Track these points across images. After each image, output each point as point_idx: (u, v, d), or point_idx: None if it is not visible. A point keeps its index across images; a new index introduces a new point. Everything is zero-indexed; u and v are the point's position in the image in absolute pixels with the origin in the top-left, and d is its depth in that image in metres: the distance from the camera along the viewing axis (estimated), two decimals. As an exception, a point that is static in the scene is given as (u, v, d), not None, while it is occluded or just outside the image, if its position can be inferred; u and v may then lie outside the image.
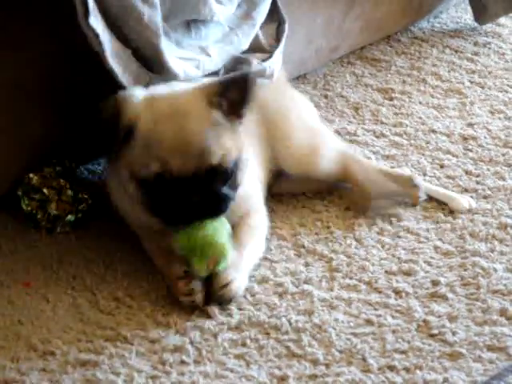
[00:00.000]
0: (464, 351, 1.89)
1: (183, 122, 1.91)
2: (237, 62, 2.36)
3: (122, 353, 1.88)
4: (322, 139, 2.40)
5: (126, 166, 1.95)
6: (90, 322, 1.96)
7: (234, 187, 2.00)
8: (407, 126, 2.73)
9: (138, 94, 1.97)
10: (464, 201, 2.36)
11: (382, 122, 2.75)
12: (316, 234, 2.27)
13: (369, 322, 1.98)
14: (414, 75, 3.01)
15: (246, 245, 2.07)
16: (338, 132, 2.69)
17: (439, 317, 1.99)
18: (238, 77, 2.02)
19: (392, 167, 2.52)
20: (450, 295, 2.05)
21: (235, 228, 2.06)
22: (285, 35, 2.49)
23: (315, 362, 1.87)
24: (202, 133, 1.91)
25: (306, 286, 2.08)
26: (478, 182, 2.46)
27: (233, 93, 1.97)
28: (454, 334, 1.94)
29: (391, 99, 2.87)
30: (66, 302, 2.02)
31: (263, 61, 2.40)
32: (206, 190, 1.93)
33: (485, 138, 2.67)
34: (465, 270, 2.13)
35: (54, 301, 2.02)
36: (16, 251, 2.17)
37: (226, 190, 1.97)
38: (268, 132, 2.29)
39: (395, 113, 2.80)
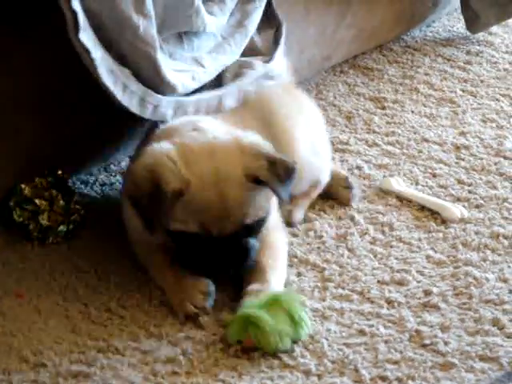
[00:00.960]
0: (456, 361, 1.89)
1: (226, 189, 1.93)
2: (240, 67, 2.35)
3: (113, 364, 1.88)
4: (322, 159, 2.38)
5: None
6: (82, 333, 1.95)
7: (258, 235, 2.03)
8: (399, 135, 2.74)
9: (170, 153, 1.94)
10: (456, 210, 2.36)
11: (375, 131, 2.75)
12: (308, 243, 2.27)
13: (361, 333, 1.98)
14: (406, 84, 3.01)
15: (271, 271, 2.05)
16: (330, 141, 2.69)
17: (431, 327, 1.99)
18: (286, 162, 2.01)
19: (384, 176, 2.52)
20: (442, 305, 2.05)
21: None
22: (283, 37, 2.49)
23: (307, 373, 1.87)
24: (242, 198, 1.95)
25: (298, 297, 2.08)
26: (470, 192, 2.46)
27: (274, 171, 1.97)
28: (446, 344, 1.94)
29: (383, 108, 2.88)
30: (57, 314, 2.01)
31: (265, 63, 2.40)
32: (236, 245, 1.97)
33: (477, 147, 2.67)
34: (457, 279, 2.13)
35: (46, 312, 2.01)
36: (8, 262, 2.16)
37: (252, 241, 2.00)
38: (273, 137, 2.21)
39: (387, 122, 2.81)
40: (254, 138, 2.05)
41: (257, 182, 1.97)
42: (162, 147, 1.98)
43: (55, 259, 2.18)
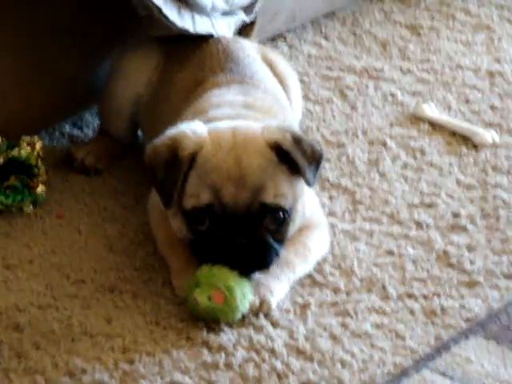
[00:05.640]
0: (481, 279, 1.94)
1: (242, 154, 1.87)
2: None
3: (149, 280, 1.95)
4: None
5: (177, 199, 1.89)
6: (120, 253, 2.03)
7: (281, 240, 1.90)
8: (434, 62, 2.75)
9: (198, 128, 1.91)
10: (488, 135, 2.39)
11: (409, 59, 2.77)
12: (340, 168, 2.31)
13: (389, 253, 2.03)
14: (442, 11, 3.00)
15: (293, 264, 1.94)
16: (365, 69, 2.72)
17: (458, 247, 2.03)
18: (314, 145, 1.92)
19: (417, 103, 2.55)
20: (469, 226, 2.09)
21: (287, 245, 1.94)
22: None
23: (336, 290, 1.93)
24: (260, 168, 1.86)
25: (329, 219, 2.13)
26: (502, 117, 2.48)
27: (299, 147, 1.89)
28: (472, 263, 1.99)
29: (419, 35, 2.88)
30: (97, 234, 2.09)
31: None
32: (252, 233, 1.86)
33: (512, 73, 2.68)
34: (485, 202, 2.17)
35: (86, 232, 2.09)
36: (49, 185, 2.23)
37: (272, 241, 1.88)
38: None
39: (422, 49, 2.81)
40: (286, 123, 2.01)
41: (281, 154, 1.88)
42: (188, 123, 1.94)
43: (95, 182, 2.26)
